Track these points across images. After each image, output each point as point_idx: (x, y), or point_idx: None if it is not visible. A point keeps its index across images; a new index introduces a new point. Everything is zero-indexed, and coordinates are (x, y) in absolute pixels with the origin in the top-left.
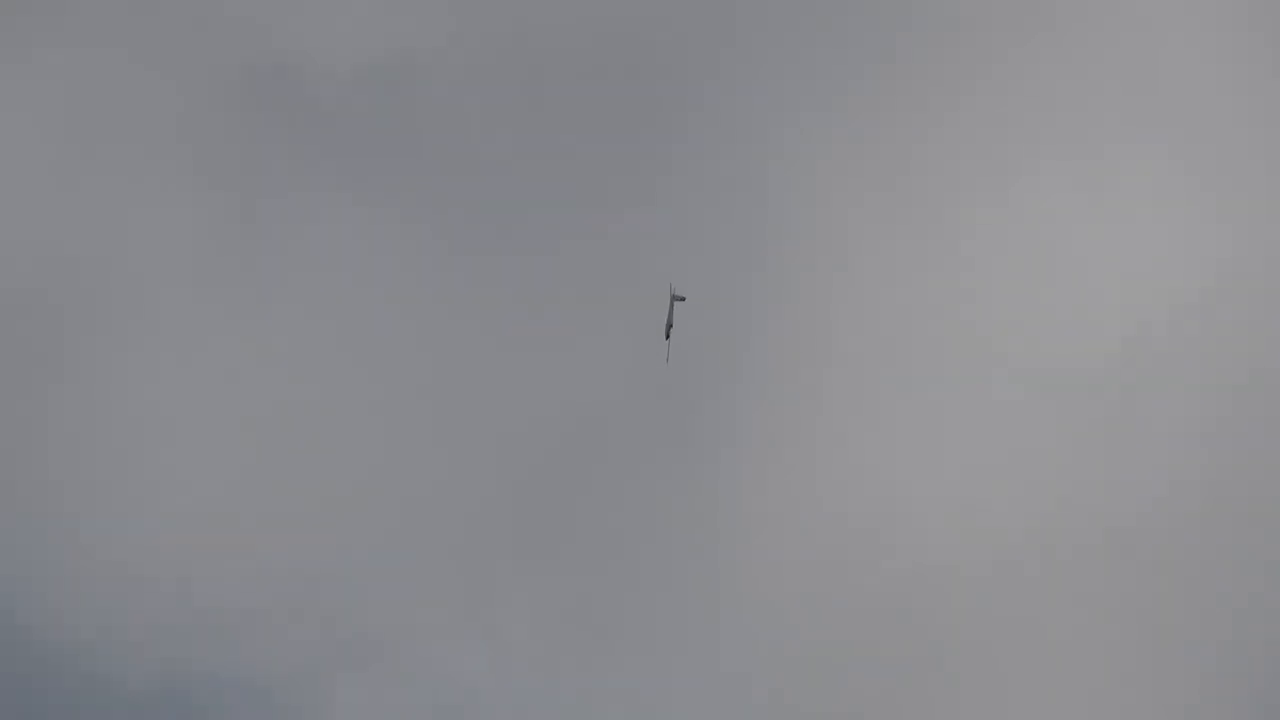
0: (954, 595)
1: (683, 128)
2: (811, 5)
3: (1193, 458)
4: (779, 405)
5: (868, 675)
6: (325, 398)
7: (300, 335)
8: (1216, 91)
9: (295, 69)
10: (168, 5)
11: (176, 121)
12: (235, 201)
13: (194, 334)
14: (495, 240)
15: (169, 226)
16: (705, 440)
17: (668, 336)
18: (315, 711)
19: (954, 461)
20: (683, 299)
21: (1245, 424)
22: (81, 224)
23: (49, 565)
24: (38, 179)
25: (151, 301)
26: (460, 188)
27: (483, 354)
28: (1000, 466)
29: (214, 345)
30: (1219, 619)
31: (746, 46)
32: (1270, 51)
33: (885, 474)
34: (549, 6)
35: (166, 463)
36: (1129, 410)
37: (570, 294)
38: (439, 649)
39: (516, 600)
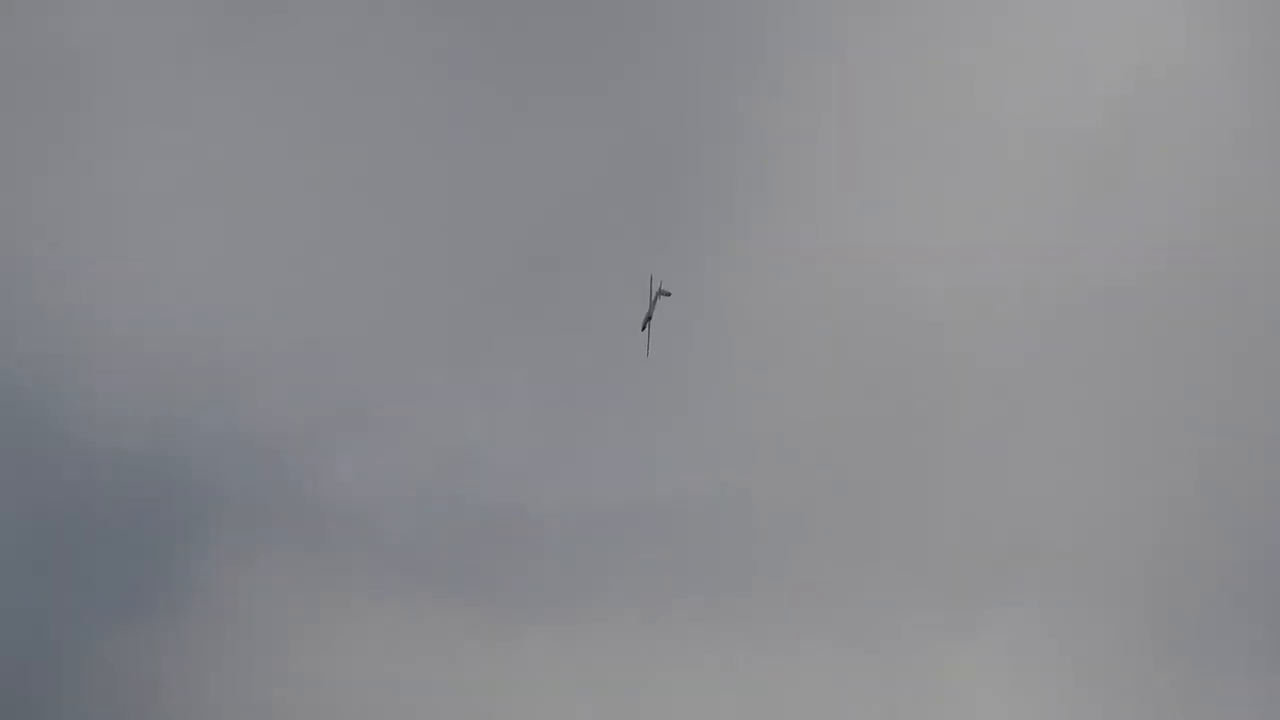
0: (948, 354)
1: None
2: None
3: (1191, 214)
4: (774, 170)
5: (856, 434)
6: (321, 173)
7: (297, 113)
8: None
9: None
10: None
11: None
12: None
13: (192, 111)
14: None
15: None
16: (700, 208)
17: (644, 328)
18: (315, 472)
19: (950, 221)
20: (668, 294)
21: (1244, 178)
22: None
23: (47, 336)
24: None
25: (148, 79)
26: None
27: (478, 125)
28: (996, 225)
29: (211, 122)
30: (1217, 378)
31: None
32: None
33: (881, 234)
34: None
35: (165, 235)
36: (1127, 166)
37: (567, 70)
38: (436, 409)
39: (512, 361)
